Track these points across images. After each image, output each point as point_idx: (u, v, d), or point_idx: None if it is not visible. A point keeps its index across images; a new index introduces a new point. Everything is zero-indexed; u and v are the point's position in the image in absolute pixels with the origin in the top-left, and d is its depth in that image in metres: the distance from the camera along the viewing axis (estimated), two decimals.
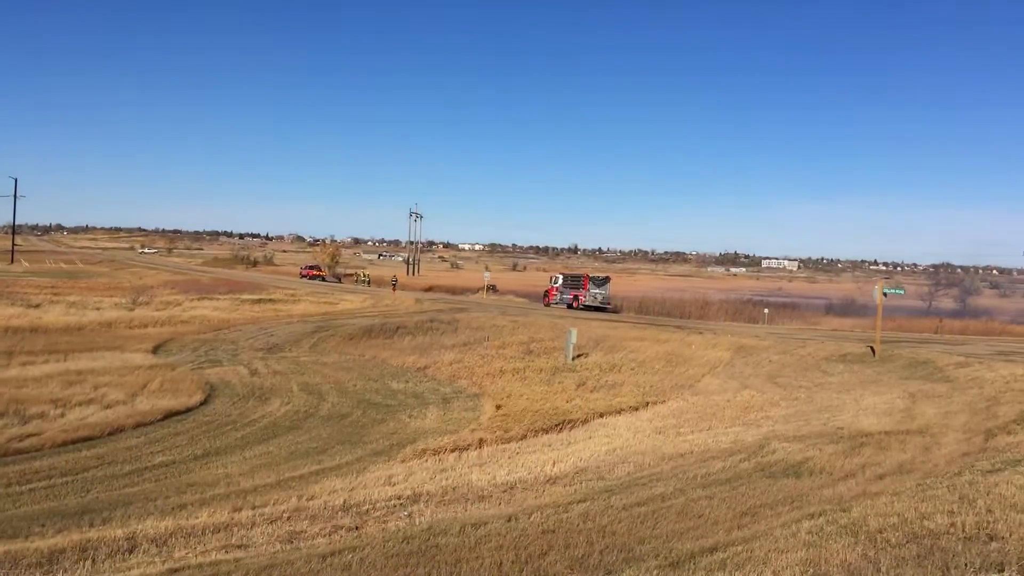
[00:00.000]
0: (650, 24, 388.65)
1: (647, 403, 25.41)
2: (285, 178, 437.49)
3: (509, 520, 9.79)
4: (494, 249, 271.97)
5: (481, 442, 19.80)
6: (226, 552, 9.24)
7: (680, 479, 13.26)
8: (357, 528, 10.30)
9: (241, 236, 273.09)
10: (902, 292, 38.49)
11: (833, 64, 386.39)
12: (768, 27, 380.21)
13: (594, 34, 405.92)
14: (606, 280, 60.21)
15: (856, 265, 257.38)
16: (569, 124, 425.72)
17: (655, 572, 6.90)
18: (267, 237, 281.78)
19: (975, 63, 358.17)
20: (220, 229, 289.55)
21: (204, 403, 23.72)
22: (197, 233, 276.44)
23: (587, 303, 56.37)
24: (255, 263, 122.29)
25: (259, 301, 52.95)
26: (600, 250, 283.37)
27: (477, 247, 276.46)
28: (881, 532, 7.30)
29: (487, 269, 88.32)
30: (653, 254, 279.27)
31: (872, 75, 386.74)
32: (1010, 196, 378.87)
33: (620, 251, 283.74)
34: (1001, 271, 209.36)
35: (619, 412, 24.32)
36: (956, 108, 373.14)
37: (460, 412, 24.79)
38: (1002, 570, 5.82)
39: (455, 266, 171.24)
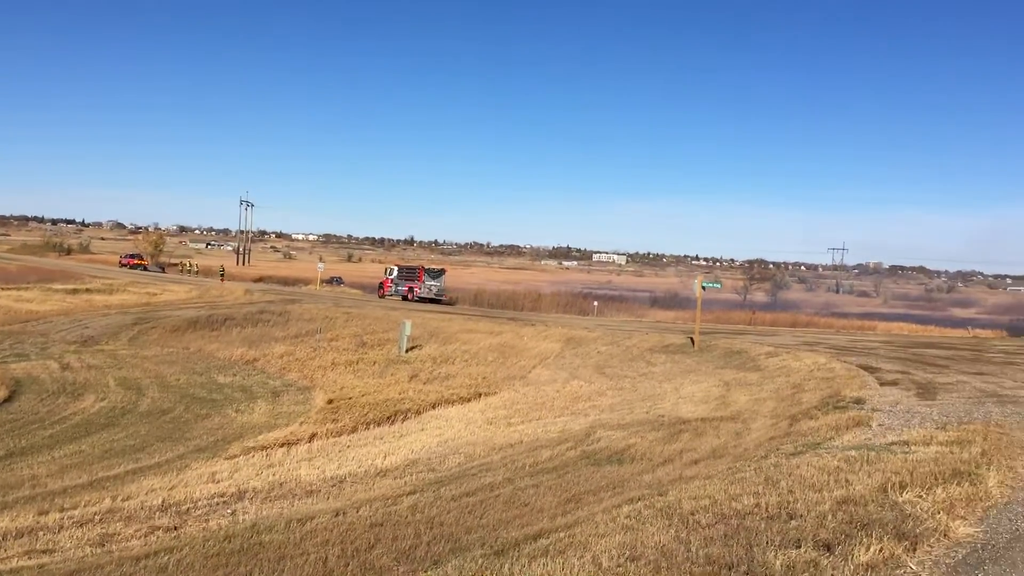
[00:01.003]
0: (482, 17, 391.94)
1: (480, 394, 25.69)
2: (104, 161, 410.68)
3: (337, 514, 9.68)
4: (329, 239, 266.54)
5: (311, 436, 19.45)
6: (29, 558, 8.68)
7: (509, 468, 13.50)
8: (176, 528, 9.90)
9: (54, 222, 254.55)
10: (719, 286, 40.71)
11: (656, 60, 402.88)
12: (594, 20, 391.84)
13: (429, 22, 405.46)
14: (441, 272, 60.37)
15: (680, 260, 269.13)
16: (403, 115, 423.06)
17: (480, 561, 6.99)
18: (83, 223, 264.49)
19: (788, 65, 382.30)
20: (30, 214, 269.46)
21: (8, 400, 22.14)
22: (3, 218, 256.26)
23: (422, 295, 56.31)
24: (69, 251, 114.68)
25: (73, 291, 49.77)
26: (436, 242, 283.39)
27: (311, 237, 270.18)
28: (693, 514, 7.68)
29: (321, 260, 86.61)
30: (489, 247, 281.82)
31: (685, 73, 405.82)
32: (819, 197, 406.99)
33: (456, 243, 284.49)
34: (808, 267, 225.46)
35: (452, 403, 24.46)
36: (768, 109, 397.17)
37: (290, 406, 24.23)
38: (799, 546, 6.25)
39: (288, 256, 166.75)
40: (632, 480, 11.86)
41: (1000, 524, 7.01)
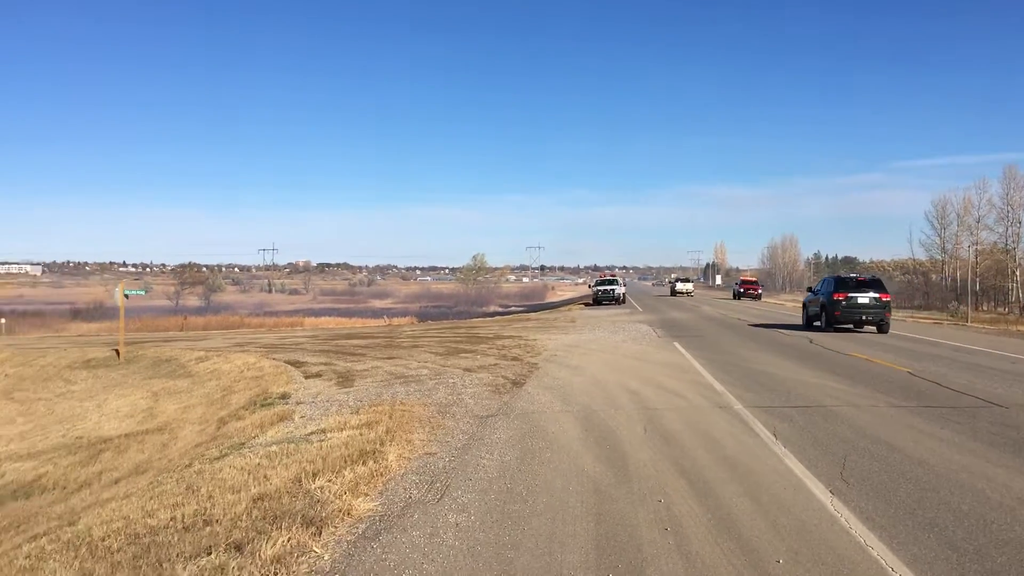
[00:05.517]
0: None
1: None
2: None
3: None
4: None
5: None
6: None
7: None
8: None
9: None
10: (143, 292, 39.03)
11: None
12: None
13: None
14: None
15: (105, 267, 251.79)
16: None
17: None
18: None
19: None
20: None
21: None
22: None
23: None
24: None
25: None
26: None
27: None
28: (104, 540, 7.16)
29: None
30: None
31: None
32: (244, 199, 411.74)
33: None
34: (242, 268, 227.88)
35: None
36: (195, 109, 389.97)
37: None
38: (210, 552, 6.17)
39: None
40: (42, 513, 10.72)
41: (396, 495, 7.77)
